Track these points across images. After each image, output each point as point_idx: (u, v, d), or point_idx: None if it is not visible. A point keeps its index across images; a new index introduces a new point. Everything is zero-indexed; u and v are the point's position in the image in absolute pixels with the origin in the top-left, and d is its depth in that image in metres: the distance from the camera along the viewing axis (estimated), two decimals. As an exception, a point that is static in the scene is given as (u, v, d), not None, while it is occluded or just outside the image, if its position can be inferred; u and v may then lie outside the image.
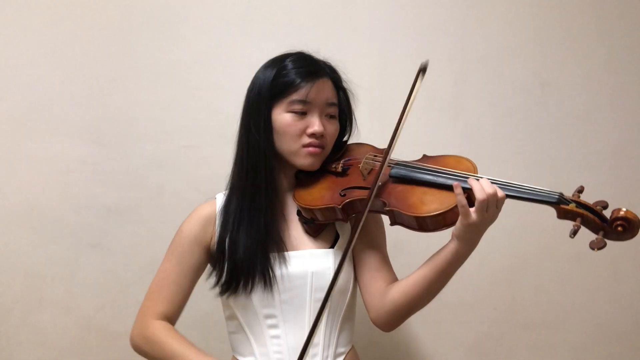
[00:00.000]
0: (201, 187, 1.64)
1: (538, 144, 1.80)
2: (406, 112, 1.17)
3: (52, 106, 1.67)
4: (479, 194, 1.04)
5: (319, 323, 1.08)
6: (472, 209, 1.05)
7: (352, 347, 1.30)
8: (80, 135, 1.68)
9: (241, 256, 1.20)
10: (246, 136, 1.24)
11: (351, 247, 1.11)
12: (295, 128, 1.21)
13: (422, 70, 1.23)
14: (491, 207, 1.05)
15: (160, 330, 1.21)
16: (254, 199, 1.22)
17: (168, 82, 1.70)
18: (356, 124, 1.35)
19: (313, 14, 1.75)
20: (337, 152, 1.32)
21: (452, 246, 1.10)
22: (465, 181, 1.08)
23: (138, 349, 1.24)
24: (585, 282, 1.80)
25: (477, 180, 1.07)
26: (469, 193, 1.06)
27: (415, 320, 1.77)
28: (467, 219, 1.05)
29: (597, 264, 1.79)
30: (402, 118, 1.17)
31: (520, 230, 1.76)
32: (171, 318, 1.24)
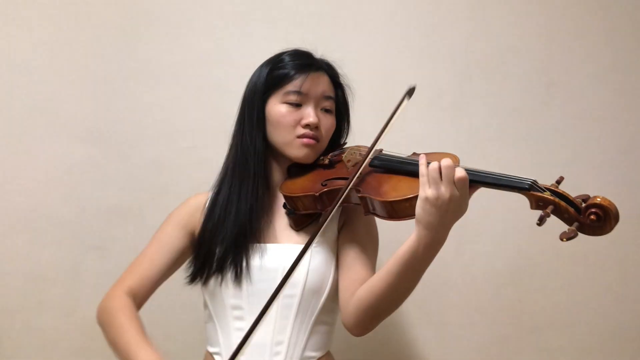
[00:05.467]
0: (203, 188, 1.62)
1: (543, 144, 1.78)
2: (386, 128, 1.14)
3: (54, 107, 1.66)
4: (430, 165, 0.98)
5: (261, 319, 1.03)
6: None
7: (328, 352, 1.26)
8: (82, 137, 1.67)
9: (218, 244, 1.20)
10: (241, 130, 1.26)
11: (313, 241, 1.06)
12: (289, 118, 1.22)
13: (409, 93, 1.18)
14: (446, 182, 0.95)
15: (120, 307, 1.18)
16: (243, 191, 1.23)
17: (170, 83, 1.70)
18: (348, 125, 1.35)
19: (315, 15, 1.74)
20: (332, 150, 1.30)
21: (413, 233, 1.01)
22: None
23: (98, 319, 1.22)
24: (592, 284, 1.79)
25: None
26: None
27: (421, 322, 1.76)
28: (423, 191, 0.97)
29: (604, 265, 1.78)
30: (383, 130, 1.14)
31: (527, 232, 1.74)
32: (138, 294, 1.22)
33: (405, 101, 1.15)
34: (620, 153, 1.79)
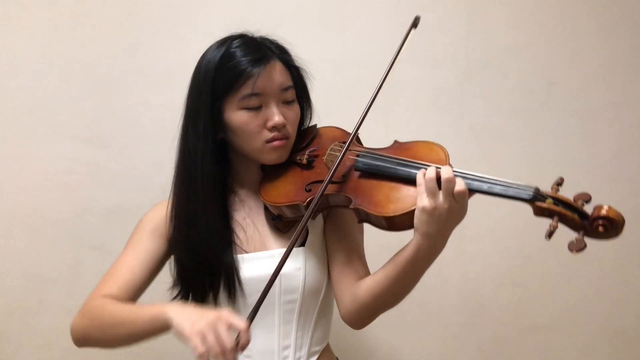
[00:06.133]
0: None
1: (543, 144, 1.78)
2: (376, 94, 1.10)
3: (54, 107, 1.66)
4: (426, 174, 0.94)
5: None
6: None
7: (327, 343, 1.25)
8: (82, 137, 1.67)
9: (201, 264, 1.12)
10: (184, 141, 1.16)
11: (293, 245, 1.00)
12: (253, 125, 1.12)
13: (414, 24, 1.12)
14: (445, 194, 0.93)
15: (103, 302, 1.08)
16: (201, 209, 1.13)
17: (170, 83, 1.69)
18: (310, 106, 1.26)
19: (314, 15, 1.73)
20: (303, 138, 1.23)
21: (413, 240, 0.99)
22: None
23: (76, 333, 1.11)
24: (592, 283, 1.79)
25: (439, 168, 0.96)
26: None
27: (420, 323, 1.76)
28: (420, 201, 0.94)
29: (604, 264, 1.78)
30: (370, 105, 1.10)
31: (526, 231, 1.74)
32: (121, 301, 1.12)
33: (412, 32, 1.10)
34: (620, 153, 1.79)
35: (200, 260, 1.13)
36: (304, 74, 1.22)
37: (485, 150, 1.76)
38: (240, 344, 0.91)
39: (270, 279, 0.99)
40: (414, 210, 0.97)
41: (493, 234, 1.75)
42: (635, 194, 1.77)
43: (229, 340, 0.89)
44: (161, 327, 0.98)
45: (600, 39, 1.79)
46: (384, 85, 1.12)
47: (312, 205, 1.03)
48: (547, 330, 1.79)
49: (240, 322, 0.92)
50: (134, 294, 1.15)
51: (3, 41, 1.65)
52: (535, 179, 1.73)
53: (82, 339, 1.12)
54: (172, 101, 1.68)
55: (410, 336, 1.77)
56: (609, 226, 0.90)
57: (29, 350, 1.67)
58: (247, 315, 0.98)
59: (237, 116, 1.13)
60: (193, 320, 0.91)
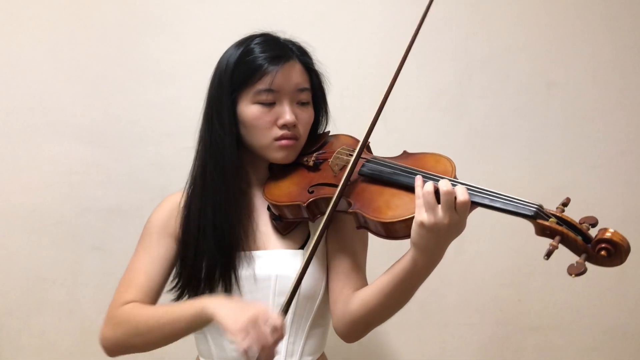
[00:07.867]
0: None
1: (543, 145, 1.78)
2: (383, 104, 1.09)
3: (54, 108, 1.66)
4: (424, 188, 0.92)
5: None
6: None
7: (322, 354, 1.24)
8: (81, 137, 1.67)
9: (203, 259, 1.12)
10: (209, 131, 1.15)
11: (314, 251, 1.00)
12: (264, 120, 1.12)
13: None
14: (444, 207, 0.90)
15: (130, 308, 1.08)
16: (217, 200, 1.13)
17: (170, 83, 1.69)
18: (327, 113, 1.26)
19: (315, 14, 1.73)
20: (314, 142, 1.22)
21: (409, 254, 0.97)
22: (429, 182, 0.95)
23: (111, 344, 1.10)
24: (592, 283, 1.79)
25: (437, 179, 0.95)
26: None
27: (421, 323, 1.76)
28: (419, 215, 0.92)
29: (604, 265, 1.78)
30: (378, 113, 1.08)
31: (527, 231, 1.73)
32: None
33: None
34: (620, 153, 1.79)
35: (204, 252, 1.12)
36: (323, 79, 1.22)
37: (485, 150, 1.76)
38: (276, 340, 0.93)
39: (297, 280, 0.99)
40: (412, 218, 0.95)
41: (493, 234, 1.75)
42: (636, 194, 1.77)
43: (269, 336, 0.92)
44: (203, 323, 1.00)
45: (600, 39, 1.79)
46: (383, 85, 1.13)
47: (339, 193, 1.02)
48: (547, 331, 1.79)
49: (277, 318, 0.93)
50: (154, 297, 1.15)
51: (3, 41, 1.65)
52: (535, 179, 1.75)
53: (117, 349, 1.11)
54: (172, 101, 1.70)
55: (410, 336, 1.77)
56: (612, 251, 0.86)
57: (29, 350, 1.67)
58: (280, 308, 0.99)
59: (249, 110, 1.13)
60: (235, 316, 0.93)
